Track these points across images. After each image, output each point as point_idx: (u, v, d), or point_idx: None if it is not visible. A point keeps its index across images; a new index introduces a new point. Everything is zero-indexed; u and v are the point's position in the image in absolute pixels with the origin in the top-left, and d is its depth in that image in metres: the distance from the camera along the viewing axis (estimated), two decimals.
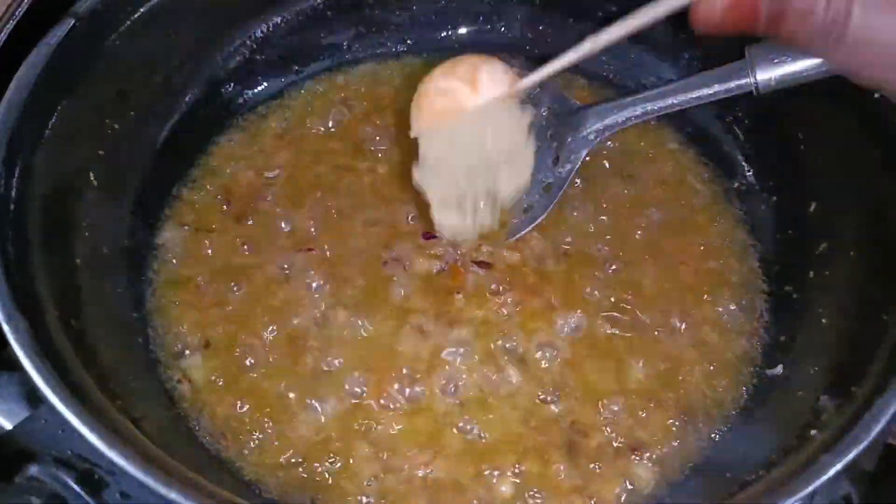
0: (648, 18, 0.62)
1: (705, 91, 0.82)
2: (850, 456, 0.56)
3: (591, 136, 0.89)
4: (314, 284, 0.86)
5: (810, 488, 0.55)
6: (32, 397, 0.74)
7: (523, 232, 0.89)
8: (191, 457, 0.72)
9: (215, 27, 0.95)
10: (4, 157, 0.69)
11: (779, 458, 0.64)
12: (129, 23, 0.82)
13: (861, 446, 0.57)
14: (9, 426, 0.69)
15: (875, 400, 0.60)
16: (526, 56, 1.05)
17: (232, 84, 0.98)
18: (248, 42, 0.98)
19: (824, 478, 0.56)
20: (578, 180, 0.93)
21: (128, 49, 0.83)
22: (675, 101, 0.85)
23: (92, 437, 0.55)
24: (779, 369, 0.80)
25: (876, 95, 0.75)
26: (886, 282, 0.72)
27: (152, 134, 0.91)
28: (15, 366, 0.75)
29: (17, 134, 0.71)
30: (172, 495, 0.53)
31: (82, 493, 0.60)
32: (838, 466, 0.56)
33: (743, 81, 0.79)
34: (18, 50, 0.74)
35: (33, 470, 0.61)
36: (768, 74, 0.76)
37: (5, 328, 0.60)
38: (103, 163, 0.82)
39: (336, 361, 0.81)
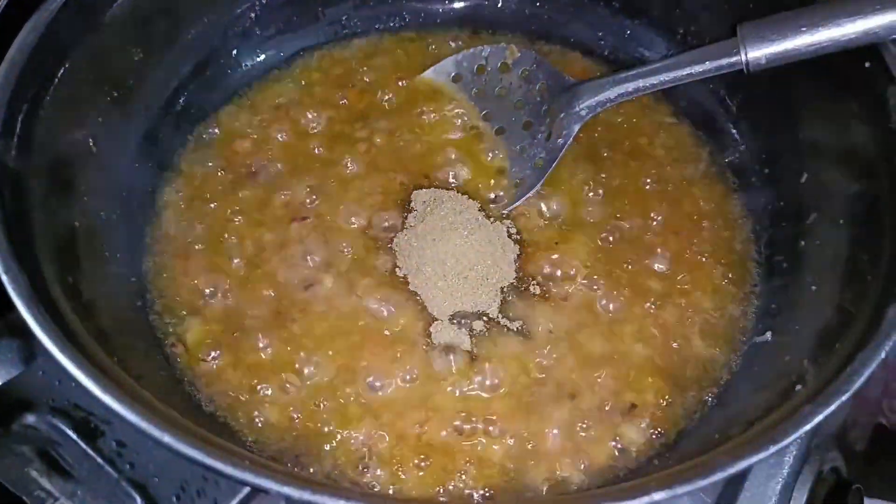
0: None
1: (696, 68, 0.83)
2: (832, 406, 0.57)
3: (584, 112, 0.90)
4: (308, 253, 0.87)
5: (793, 437, 0.56)
6: (28, 360, 0.75)
7: (515, 205, 0.91)
8: (186, 416, 0.73)
9: (213, 2, 0.96)
10: (4, 120, 0.70)
11: (763, 414, 0.65)
12: None
13: (842, 398, 0.58)
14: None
15: (857, 354, 0.61)
16: (522, 32, 1.07)
17: (231, 55, 0.99)
18: (247, 14, 0.99)
19: (807, 426, 0.56)
20: (572, 153, 0.94)
21: (128, 16, 0.84)
22: (666, 78, 0.86)
23: (87, 382, 0.55)
24: (768, 336, 0.81)
25: (867, 65, 0.76)
26: (872, 246, 0.73)
27: (151, 102, 0.91)
28: (14, 332, 0.77)
29: (16, 98, 0.71)
30: (166, 439, 0.54)
31: (79, 440, 0.61)
32: (820, 416, 0.57)
33: (734, 59, 0.80)
34: (19, 15, 0.75)
35: (30, 419, 0.62)
36: (759, 53, 0.77)
37: (4, 279, 0.60)
38: (102, 129, 0.83)
39: (328, 329, 0.82)
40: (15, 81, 0.71)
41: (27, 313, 0.59)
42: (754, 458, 0.55)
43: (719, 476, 0.55)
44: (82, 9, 0.78)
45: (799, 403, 0.60)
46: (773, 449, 0.56)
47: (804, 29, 0.74)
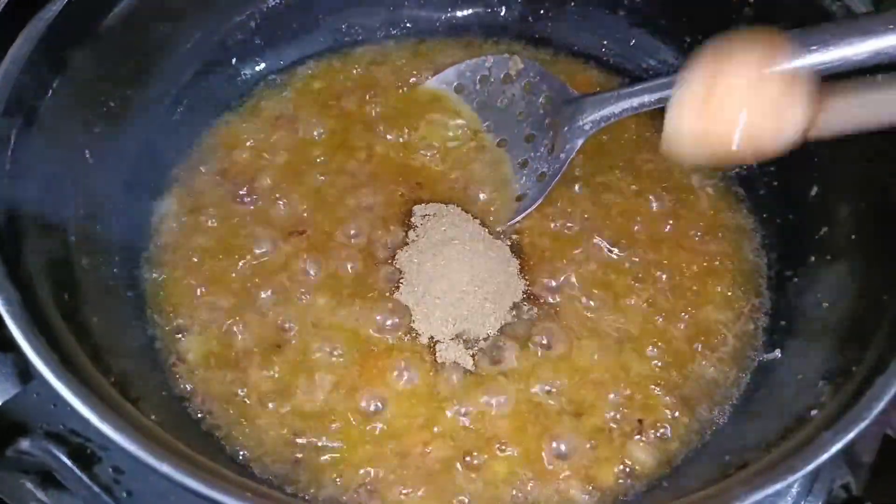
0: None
1: None
2: (852, 434, 0.56)
3: (587, 127, 0.89)
4: (306, 268, 0.85)
5: (811, 466, 0.55)
6: (25, 377, 0.74)
7: (516, 219, 0.89)
8: (185, 436, 0.71)
9: (212, 10, 0.94)
10: None
11: (779, 438, 0.63)
12: None
13: (862, 424, 0.56)
14: None
15: (876, 379, 0.59)
16: (525, 40, 1.05)
17: (231, 64, 0.98)
18: (247, 22, 0.97)
19: (825, 455, 0.55)
20: (577, 166, 0.92)
21: (125, 26, 0.82)
22: (671, 94, 0.84)
23: (83, 409, 0.54)
24: (777, 353, 0.80)
25: (878, 78, 0.74)
26: (886, 263, 0.71)
27: (149, 113, 0.89)
28: (7, 347, 0.75)
29: (10, 110, 0.70)
30: (164, 468, 0.52)
31: (74, 468, 0.59)
32: (839, 444, 0.55)
33: None
34: (13, 24, 0.74)
35: (24, 444, 0.60)
36: None
37: None
38: (98, 140, 0.82)
39: (328, 346, 0.80)
40: (9, 93, 0.70)
41: (22, 337, 0.58)
42: (772, 488, 0.54)
43: None
44: (78, 18, 0.76)
45: (817, 430, 0.58)
46: (791, 478, 0.54)
47: (814, 47, 0.72)
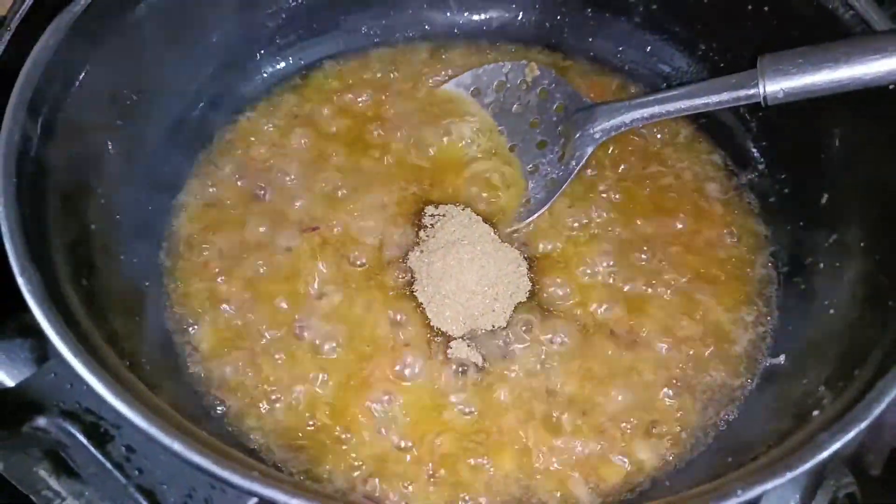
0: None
1: (713, 98, 0.83)
2: (849, 435, 0.56)
3: (598, 135, 0.90)
4: (319, 264, 0.87)
5: (808, 465, 0.55)
6: (42, 361, 0.75)
7: (525, 222, 0.90)
8: (196, 420, 0.72)
9: (235, 8, 0.95)
10: (24, 121, 0.70)
11: (779, 439, 0.64)
12: None
13: (860, 426, 0.57)
14: (12, 384, 0.70)
15: (876, 382, 0.60)
16: (542, 45, 1.06)
17: (252, 62, 1.00)
18: (269, 21, 0.99)
19: (823, 455, 0.56)
20: (587, 170, 0.93)
21: (150, 21, 0.84)
22: (682, 106, 0.85)
23: (98, 386, 0.55)
24: (781, 359, 0.81)
25: (891, 87, 0.75)
26: (894, 270, 0.72)
27: (170, 108, 0.92)
28: (28, 332, 0.77)
29: (37, 99, 0.72)
30: (175, 446, 0.54)
31: (88, 444, 0.61)
32: (836, 445, 0.56)
33: (751, 91, 0.79)
34: (43, 17, 0.76)
35: (40, 421, 0.62)
36: (777, 86, 0.76)
37: (19, 280, 0.61)
38: (121, 133, 0.84)
39: (339, 341, 0.82)
40: (37, 83, 0.72)
41: (41, 315, 0.59)
42: (769, 485, 0.55)
43: (733, 502, 0.54)
44: (105, 13, 0.78)
45: (815, 430, 0.59)
46: (788, 476, 0.55)
47: (826, 64, 0.73)
